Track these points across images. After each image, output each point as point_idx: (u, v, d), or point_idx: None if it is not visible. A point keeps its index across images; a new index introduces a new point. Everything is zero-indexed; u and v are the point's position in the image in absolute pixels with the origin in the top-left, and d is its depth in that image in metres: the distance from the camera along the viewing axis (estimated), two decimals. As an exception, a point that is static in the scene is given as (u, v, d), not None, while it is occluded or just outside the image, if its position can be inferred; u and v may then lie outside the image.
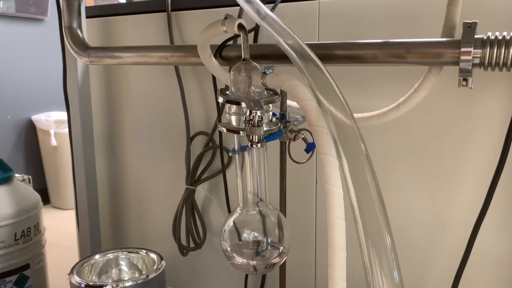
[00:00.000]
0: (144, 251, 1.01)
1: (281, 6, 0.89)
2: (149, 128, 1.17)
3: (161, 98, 1.13)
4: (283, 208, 0.80)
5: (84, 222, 1.19)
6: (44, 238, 1.23)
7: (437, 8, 0.71)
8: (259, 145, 0.59)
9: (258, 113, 0.57)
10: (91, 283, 0.90)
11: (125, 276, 1.01)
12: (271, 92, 0.63)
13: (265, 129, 0.59)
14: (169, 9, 1.04)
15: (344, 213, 0.53)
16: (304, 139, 0.67)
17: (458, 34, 0.63)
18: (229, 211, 1.01)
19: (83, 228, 1.20)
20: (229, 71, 0.63)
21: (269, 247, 0.69)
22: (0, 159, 1.17)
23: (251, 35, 0.93)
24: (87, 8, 1.11)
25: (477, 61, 0.62)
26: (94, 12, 1.16)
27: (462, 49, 0.62)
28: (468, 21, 0.62)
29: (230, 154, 1.03)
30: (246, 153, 0.66)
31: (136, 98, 1.17)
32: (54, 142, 2.36)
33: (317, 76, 0.54)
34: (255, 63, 0.62)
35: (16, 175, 1.21)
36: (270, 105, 0.62)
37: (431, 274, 0.87)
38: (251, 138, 0.59)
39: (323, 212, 0.95)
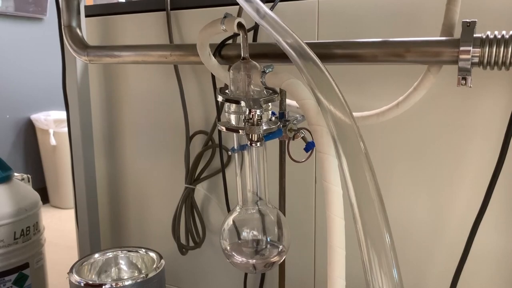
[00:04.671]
0: (144, 250, 1.01)
1: (280, 5, 0.89)
2: (149, 127, 1.17)
3: (161, 97, 1.13)
4: (282, 207, 0.80)
5: (83, 221, 1.19)
6: (44, 237, 1.23)
7: (436, 7, 0.71)
8: (258, 144, 0.59)
9: (258, 112, 0.57)
10: (91, 282, 0.90)
11: (125, 275, 1.01)
12: (271, 91, 0.63)
13: (264, 128, 0.59)
14: (168, 8, 1.04)
15: (343, 212, 0.53)
16: (303, 138, 0.67)
17: (457, 33, 0.63)
18: (229, 210, 1.02)
19: (82, 227, 1.20)
20: (229, 70, 0.63)
21: (268, 246, 0.69)
22: (-1, 158, 1.17)
23: (250, 34, 0.93)
24: (86, 7, 1.11)
25: (476, 60, 0.62)
26: (93, 11, 1.16)
27: (461, 48, 0.62)
28: (467, 20, 0.62)
29: (230, 153, 1.03)
30: (245, 152, 0.66)
31: (135, 97, 1.17)
32: (53, 141, 2.36)
33: (316, 75, 0.54)
34: (254, 62, 0.62)
35: (15, 174, 1.21)
36: (270, 104, 0.62)
37: (430, 272, 0.88)
38: (250, 137, 0.59)
39: (323, 211, 0.95)
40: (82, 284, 0.88)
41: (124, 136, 1.21)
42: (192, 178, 1.07)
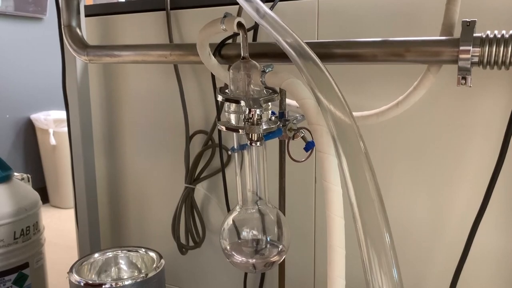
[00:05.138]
0: (143, 250, 1.01)
1: (280, 4, 0.89)
2: (148, 126, 1.17)
3: (161, 96, 1.13)
4: (282, 206, 0.80)
5: (83, 221, 1.19)
6: (43, 237, 1.23)
7: (436, 6, 0.71)
8: (258, 143, 0.59)
9: (257, 111, 0.57)
10: (91, 282, 0.90)
11: (124, 275, 1.01)
12: (270, 91, 0.63)
13: (264, 127, 0.59)
14: (168, 8, 1.04)
15: (343, 211, 0.53)
16: (303, 138, 0.67)
17: (457, 33, 0.63)
18: (229, 209, 1.02)
19: (82, 227, 1.20)
20: (228, 70, 0.63)
21: (268, 246, 0.69)
22: (-1, 158, 1.17)
23: (250, 34, 0.93)
24: (86, 6, 1.11)
25: (475, 59, 0.62)
26: (93, 11, 1.16)
27: (461, 48, 0.62)
28: (467, 20, 0.62)
29: (229, 152, 1.03)
30: (245, 152, 0.66)
31: (135, 97, 1.17)
32: (53, 141, 2.36)
33: (316, 75, 0.54)
34: (254, 62, 0.62)
35: (15, 174, 1.21)
36: (269, 103, 0.62)
37: (430, 272, 0.88)
38: (250, 137, 0.59)
39: (322, 211, 0.95)
40: (82, 284, 0.88)
41: (124, 135, 1.21)
42: (192, 178, 1.07)
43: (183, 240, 1.09)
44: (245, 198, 0.69)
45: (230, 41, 0.82)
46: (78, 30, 1.00)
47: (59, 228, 2.12)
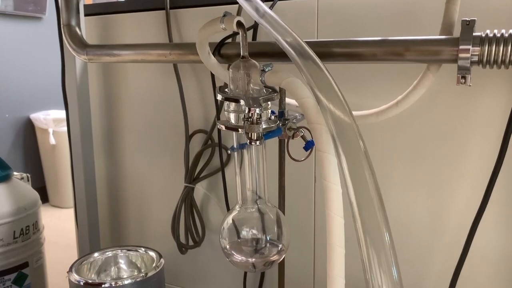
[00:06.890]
0: (143, 249, 1.01)
1: (279, 3, 0.89)
2: (148, 126, 1.17)
3: (160, 96, 1.13)
4: (282, 205, 0.80)
5: (83, 221, 1.19)
6: (43, 236, 1.23)
7: (436, 6, 0.71)
8: (257, 142, 0.59)
9: (257, 110, 0.57)
10: (90, 281, 0.90)
11: (124, 274, 1.01)
12: (270, 90, 0.63)
13: (263, 126, 0.59)
14: (168, 7, 1.04)
15: (343, 211, 0.53)
16: (302, 137, 0.67)
17: (457, 32, 0.63)
18: (228, 209, 1.02)
19: (82, 227, 1.20)
20: (228, 69, 0.63)
21: (267, 245, 0.69)
22: (-2, 157, 1.17)
23: (250, 33, 0.93)
24: (85, 6, 1.11)
25: (475, 58, 0.62)
26: (92, 10, 1.16)
27: (461, 47, 0.62)
28: (467, 19, 0.62)
29: (229, 152, 1.03)
30: (245, 151, 0.66)
31: (135, 96, 1.17)
32: (52, 140, 2.36)
33: (315, 74, 0.54)
34: (253, 61, 0.62)
35: (15, 173, 1.21)
36: (269, 102, 0.62)
37: (430, 271, 0.88)
38: (250, 136, 0.59)
39: (322, 210, 0.95)
40: (82, 283, 0.88)
41: (123, 135, 1.21)
42: (192, 177, 1.07)
43: (182, 239, 1.09)
44: (244, 197, 0.69)
45: (229, 40, 0.82)
46: (77, 30, 1.00)
47: (58, 227, 2.13)
